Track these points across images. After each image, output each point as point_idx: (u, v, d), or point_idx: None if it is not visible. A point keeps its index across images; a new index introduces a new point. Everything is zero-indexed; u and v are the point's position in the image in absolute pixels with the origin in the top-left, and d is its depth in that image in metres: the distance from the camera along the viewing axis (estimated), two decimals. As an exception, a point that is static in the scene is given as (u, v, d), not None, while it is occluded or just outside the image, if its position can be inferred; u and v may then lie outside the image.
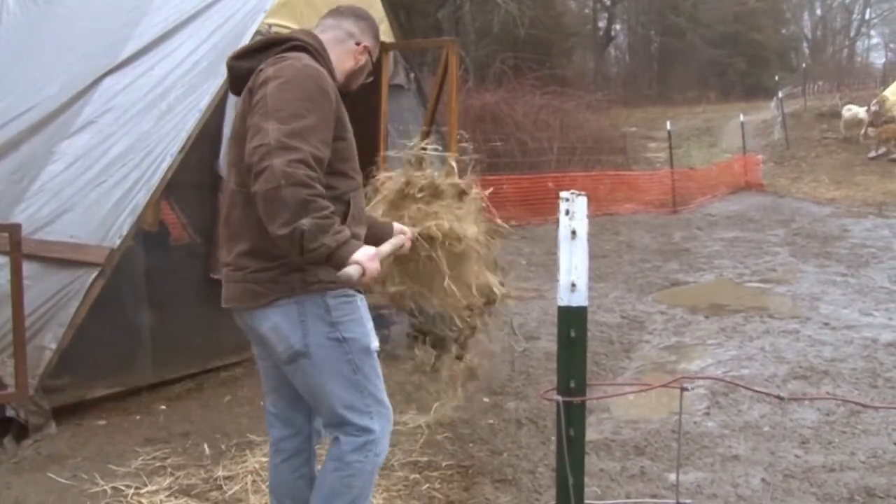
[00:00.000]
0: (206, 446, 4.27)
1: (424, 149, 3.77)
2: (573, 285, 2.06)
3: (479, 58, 26.73)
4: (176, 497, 3.67)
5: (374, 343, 2.70)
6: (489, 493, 3.73)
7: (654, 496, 3.66)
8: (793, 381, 5.34)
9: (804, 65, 40.48)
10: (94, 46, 5.70)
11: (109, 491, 3.73)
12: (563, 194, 2.02)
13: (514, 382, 5.37)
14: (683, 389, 2.20)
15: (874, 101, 22.09)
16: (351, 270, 2.32)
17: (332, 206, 2.42)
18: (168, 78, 5.25)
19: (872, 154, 20.89)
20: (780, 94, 26.90)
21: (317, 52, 2.62)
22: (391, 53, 6.80)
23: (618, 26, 45.76)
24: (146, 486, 3.77)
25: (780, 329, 6.70)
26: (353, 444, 2.64)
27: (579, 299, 2.07)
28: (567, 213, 2.03)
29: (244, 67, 2.63)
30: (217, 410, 4.88)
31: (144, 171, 4.84)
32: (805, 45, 54.56)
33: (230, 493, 3.69)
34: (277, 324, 2.54)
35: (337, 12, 2.83)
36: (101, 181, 4.87)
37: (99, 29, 5.88)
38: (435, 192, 3.48)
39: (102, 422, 4.66)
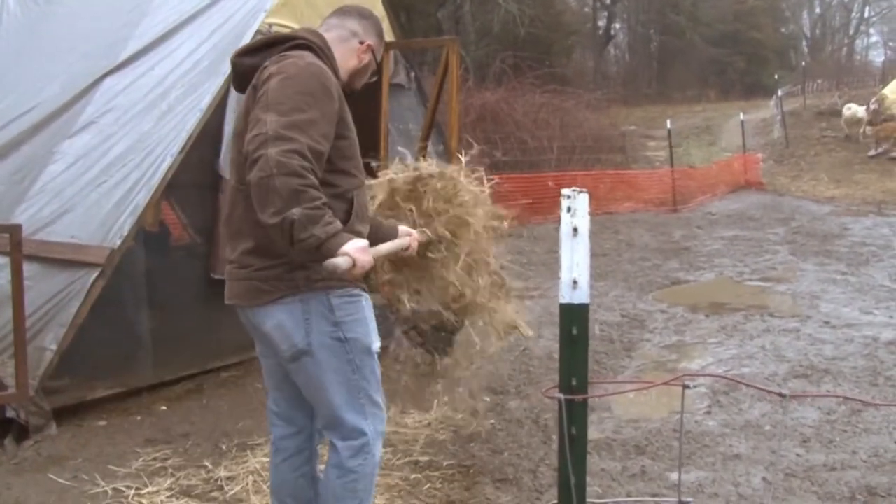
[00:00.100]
0: (206, 447, 4.27)
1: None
2: (575, 282, 2.05)
3: (479, 57, 26.73)
4: (177, 498, 3.67)
5: (376, 344, 2.71)
6: (490, 492, 3.73)
7: (654, 496, 3.66)
8: (793, 379, 5.34)
9: (803, 63, 40.49)
10: (95, 46, 5.70)
11: (110, 492, 3.73)
12: (565, 191, 2.02)
13: (515, 381, 5.36)
14: (685, 387, 2.20)
15: (873, 100, 22.10)
16: (338, 261, 2.28)
17: (334, 204, 2.42)
18: (168, 78, 5.26)
19: (872, 152, 20.90)
20: (780, 93, 26.95)
21: (321, 50, 2.62)
22: (392, 53, 6.80)
23: (617, 25, 45.83)
24: (147, 486, 3.77)
25: (780, 328, 6.70)
26: (351, 449, 2.64)
27: (581, 297, 2.07)
28: (569, 209, 2.03)
29: (248, 64, 2.63)
30: (217, 411, 4.88)
31: (145, 171, 4.84)
32: (804, 43, 54.62)
33: (231, 493, 3.68)
34: (281, 322, 2.54)
35: (341, 11, 2.83)
36: (101, 181, 4.87)
37: (99, 29, 5.89)
38: (448, 193, 3.47)
39: (103, 423, 4.65)
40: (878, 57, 52.76)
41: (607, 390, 4.64)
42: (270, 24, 5.45)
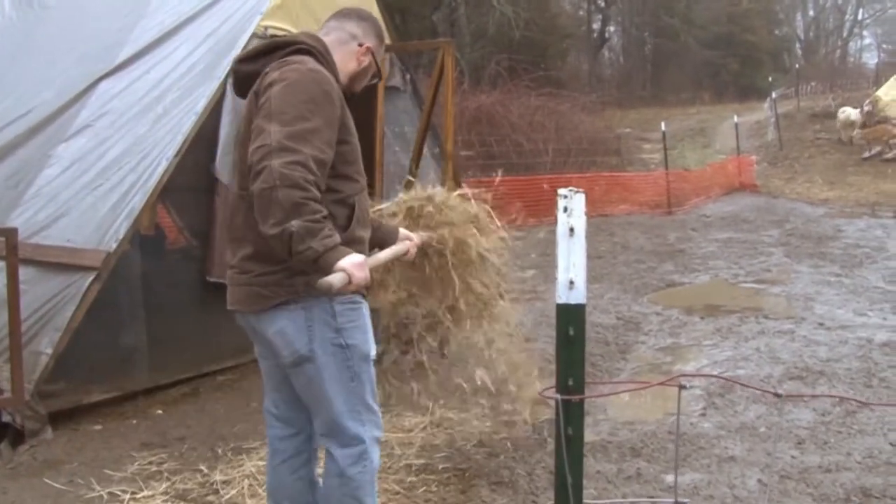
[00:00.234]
0: (202, 451, 4.26)
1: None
2: (571, 283, 2.06)
3: (474, 60, 26.75)
4: (172, 502, 3.66)
5: (374, 351, 2.72)
6: (486, 495, 3.73)
7: (650, 498, 3.67)
8: (788, 381, 5.35)
9: (797, 65, 40.52)
10: (90, 50, 5.70)
11: (106, 496, 3.72)
12: (562, 191, 2.02)
13: (510, 383, 5.35)
14: (682, 387, 2.21)
15: (867, 102, 22.18)
16: (332, 279, 2.29)
17: (335, 209, 2.43)
18: (164, 81, 5.26)
19: (867, 154, 20.97)
20: (774, 95, 27.00)
21: (321, 55, 2.63)
22: (387, 55, 6.80)
23: (612, 28, 45.84)
24: (142, 491, 3.76)
25: (775, 329, 6.71)
26: (350, 457, 2.65)
27: (578, 297, 2.07)
28: (565, 210, 2.03)
29: (250, 70, 2.64)
30: (213, 415, 4.87)
31: (140, 174, 4.84)
32: (798, 45, 54.71)
33: (227, 497, 3.68)
34: (283, 328, 2.54)
35: (340, 14, 2.83)
36: (97, 185, 4.87)
37: (95, 32, 5.89)
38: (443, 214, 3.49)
39: (99, 427, 4.65)
40: (871, 59, 52.84)
41: (603, 391, 4.65)
42: (266, 27, 5.45)
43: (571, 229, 2.04)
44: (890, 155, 20.56)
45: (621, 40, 46.37)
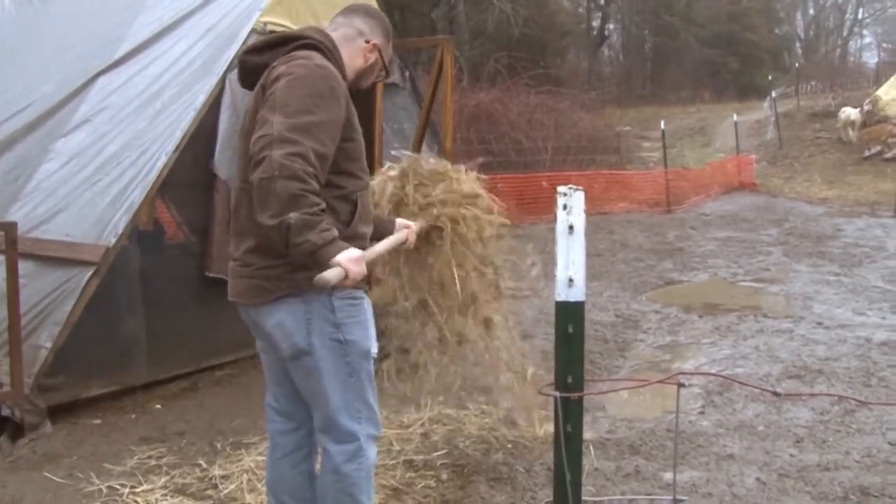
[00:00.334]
0: (201, 445, 4.26)
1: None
2: (571, 280, 2.06)
3: (473, 57, 26.72)
4: (171, 496, 3.66)
5: (374, 348, 2.71)
6: (484, 491, 3.73)
7: (648, 495, 3.67)
8: (787, 380, 5.35)
9: (797, 64, 40.51)
10: (89, 45, 5.70)
11: (105, 490, 3.73)
12: (561, 189, 2.02)
13: (509, 380, 5.35)
14: (681, 385, 2.21)
15: (867, 101, 22.19)
16: (328, 275, 2.29)
17: (338, 205, 2.43)
18: (163, 77, 5.25)
19: (867, 153, 20.97)
20: (774, 94, 26.99)
21: (328, 50, 2.62)
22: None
23: (611, 26, 45.80)
24: (141, 485, 3.76)
25: (773, 328, 6.72)
26: (345, 454, 2.64)
27: (577, 294, 2.07)
28: (565, 207, 2.03)
29: (256, 63, 2.63)
30: (212, 409, 4.87)
31: (139, 169, 4.84)
32: (798, 44, 54.70)
33: (225, 492, 3.68)
34: (283, 321, 2.54)
35: (348, 10, 2.82)
36: (96, 180, 4.87)
37: (94, 28, 5.88)
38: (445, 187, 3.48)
39: (98, 421, 4.65)
40: (871, 58, 52.86)
41: (602, 389, 4.65)
42: (265, 23, 5.44)
43: (571, 227, 2.04)
44: (889, 154, 20.57)
45: (621, 38, 46.37)
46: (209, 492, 3.70)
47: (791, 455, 4.13)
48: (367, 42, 2.76)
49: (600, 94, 28.39)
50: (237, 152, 2.74)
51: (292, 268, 2.49)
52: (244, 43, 5.17)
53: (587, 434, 4.22)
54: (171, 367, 5.25)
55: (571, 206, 2.03)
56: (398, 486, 3.73)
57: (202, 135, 5.18)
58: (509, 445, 4.24)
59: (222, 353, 5.52)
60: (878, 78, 30.35)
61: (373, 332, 2.70)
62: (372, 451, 2.72)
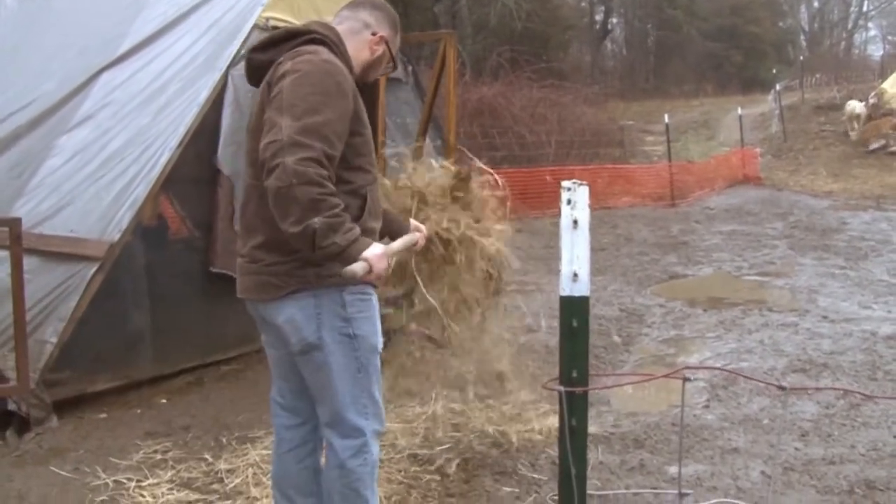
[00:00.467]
0: (206, 439, 4.28)
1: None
2: (575, 275, 2.06)
3: (475, 51, 26.67)
4: (177, 490, 3.68)
5: (381, 344, 2.72)
6: (489, 485, 3.74)
7: (653, 489, 3.67)
8: (792, 374, 5.35)
9: (801, 57, 40.38)
10: (92, 41, 5.70)
11: (111, 484, 3.74)
12: (565, 183, 2.01)
13: (514, 374, 5.36)
14: (686, 380, 2.21)
15: (872, 94, 22.11)
16: (356, 268, 2.34)
17: (347, 200, 2.43)
18: (166, 72, 5.26)
19: (872, 147, 20.89)
20: (778, 87, 26.88)
21: (335, 44, 2.61)
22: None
23: (615, 19, 45.67)
24: (147, 479, 3.78)
25: (778, 322, 6.71)
26: (351, 449, 2.65)
27: (581, 289, 2.07)
28: (569, 202, 2.03)
29: (263, 59, 2.63)
30: (218, 404, 4.89)
31: (143, 165, 4.85)
32: (802, 37, 54.48)
33: (231, 486, 3.70)
34: (293, 315, 2.55)
35: (353, 3, 2.81)
36: (100, 176, 4.88)
37: (97, 24, 5.89)
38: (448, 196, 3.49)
39: (103, 415, 4.67)
40: (876, 51, 52.59)
41: (607, 383, 4.65)
42: (268, 18, 5.44)
43: (575, 221, 2.03)
44: (895, 148, 20.49)
45: (624, 32, 46.24)
46: (215, 486, 3.72)
47: (796, 449, 4.13)
48: (374, 34, 2.74)
49: (603, 88, 28.34)
50: (243, 149, 2.74)
51: (301, 264, 2.49)
52: (247, 38, 5.18)
53: (592, 428, 4.22)
54: (176, 361, 5.26)
55: (575, 200, 2.02)
56: (403, 479, 3.74)
57: (205, 130, 5.19)
58: (514, 439, 4.24)
59: (227, 347, 5.53)
60: (884, 71, 30.26)
61: (380, 327, 2.71)
62: (376, 447, 2.73)
